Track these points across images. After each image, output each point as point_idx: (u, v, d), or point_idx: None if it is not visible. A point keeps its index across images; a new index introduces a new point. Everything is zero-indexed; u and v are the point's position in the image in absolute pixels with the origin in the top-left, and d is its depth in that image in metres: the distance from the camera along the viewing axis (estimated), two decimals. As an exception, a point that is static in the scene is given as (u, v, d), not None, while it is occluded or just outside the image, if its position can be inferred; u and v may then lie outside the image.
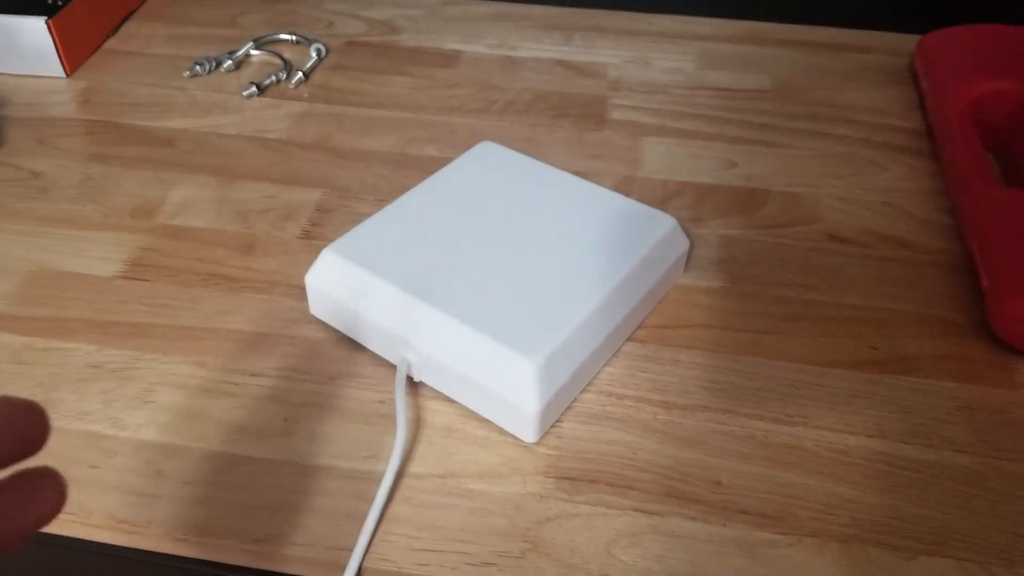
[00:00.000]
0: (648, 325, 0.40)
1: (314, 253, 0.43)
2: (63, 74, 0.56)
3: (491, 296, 0.36)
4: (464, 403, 0.36)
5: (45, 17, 0.54)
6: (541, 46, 0.61)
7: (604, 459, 0.34)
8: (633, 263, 0.38)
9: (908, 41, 0.62)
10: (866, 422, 0.36)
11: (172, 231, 0.45)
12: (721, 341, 0.40)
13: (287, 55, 0.59)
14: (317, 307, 0.39)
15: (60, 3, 0.57)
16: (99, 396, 0.36)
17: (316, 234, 0.45)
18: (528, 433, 0.34)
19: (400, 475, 0.34)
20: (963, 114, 0.51)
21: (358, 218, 0.46)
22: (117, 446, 0.34)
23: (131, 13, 0.63)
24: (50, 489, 0.21)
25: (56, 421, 0.35)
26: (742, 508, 0.33)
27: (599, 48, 0.61)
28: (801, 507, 0.33)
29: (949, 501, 0.33)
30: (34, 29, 0.54)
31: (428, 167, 0.50)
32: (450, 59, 0.59)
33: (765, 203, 0.48)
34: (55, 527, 0.33)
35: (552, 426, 0.36)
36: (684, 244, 0.41)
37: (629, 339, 0.39)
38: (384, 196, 0.47)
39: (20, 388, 0.36)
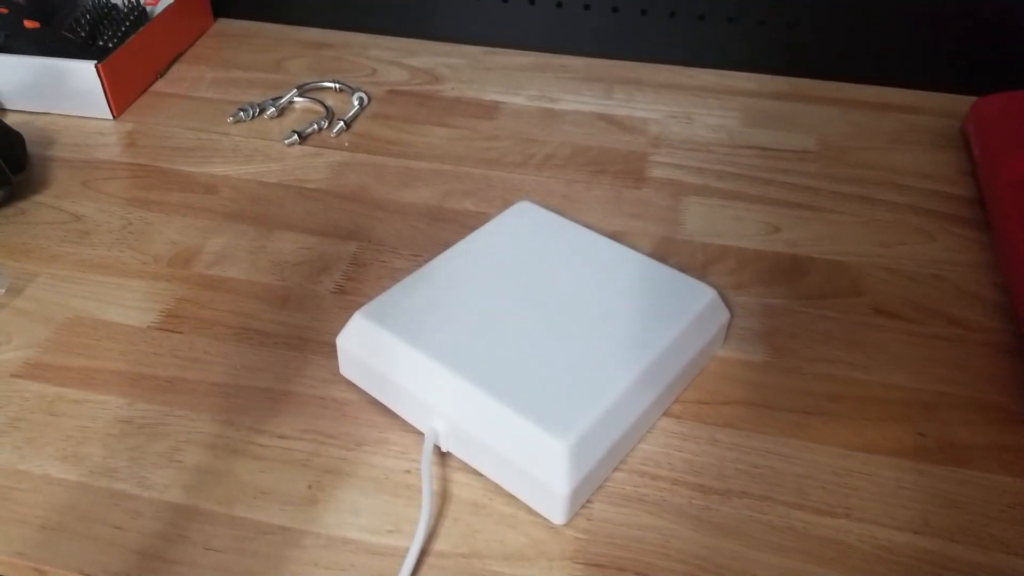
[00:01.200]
0: (685, 400, 0.39)
1: (347, 309, 0.43)
2: (110, 116, 0.57)
3: (523, 368, 0.35)
4: (492, 478, 0.35)
5: (95, 61, 0.55)
6: (581, 99, 0.61)
7: (635, 546, 0.33)
8: (672, 336, 0.37)
9: (959, 103, 0.60)
10: (912, 517, 0.35)
11: (208, 281, 0.45)
12: (761, 420, 0.38)
13: (329, 103, 0.59)
14: (347, 369, 0.39)
15: (111, 45, 0.58)
16: (127, 453, 0.36)
17: (350, 289, 0.45)
18: (557, 514, 0.33)
19: (424, 553, 0.33)
20: (1018, 184, 0.49)
21: (392, 273, 0.46)
22: (142, 507, 0.34)
23: (179, 55, 0.64)
24: None
25: (84, 478, 0.35)
26: (779, 607, 0.31)
27: (640, 102, 0.60)
28: (842, 609, 0.31)
29: (1001, 611, 0.31)
30: (84, 72, 0.55)
31: (464, 222, 0.49)
32: (490, 110, 0.59)
33: (809, 271, 0.46)
34: (76, 588, 0.32)
35: (582, 507, 0.34)
36: (725, 316, 0.40)
37: (665, 414, 0.38)
38: (419, 251, 0.47)
39: (50, 440, 0.36)
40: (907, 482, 0.36)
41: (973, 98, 0.60)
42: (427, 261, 0.41)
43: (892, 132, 0.58)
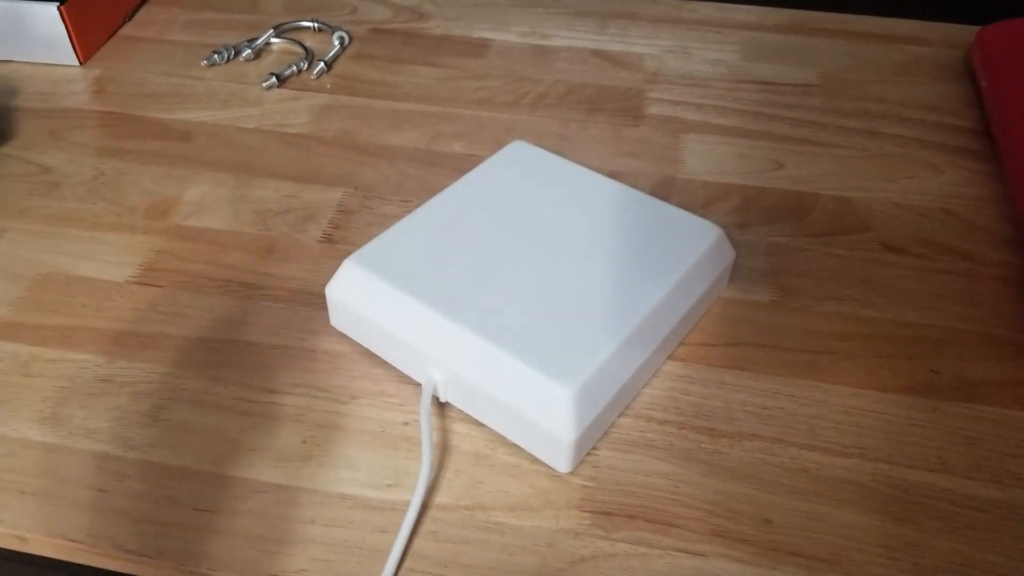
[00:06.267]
0: (690, 342, 0.38)
1: (335, 259, 0.41)
2: (77, 62, 0.54)
3: (523, 313, 0.33)
4: (493, 427, 0.33)
5: (57, 3, 0.51)
6: (574, 34, 0.58)
7: (644, 492, 0.32)
8: (676, 277, 0.36)
9: (965, 33, 0.58)
10: (927, 455, 0.34)
11: (187, 232, 0.43)
12: (770, 362, 0.37)
13: (308, 43, 0.56)
14: (338, 320, 0.37)
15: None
16: (108, 413, 0.34)
17: (338, 237, 0.43)
18: (562, 463, 0.32)
19: (425, 506, 0.31)
20: (1029, 113, 0.47)
21: (382, 220, 0.43)
22: (127, 468, 0.32)
23: (147, -3, 0.61)
24: None
25: (64, 440, 0.33)
26: (793, 550, 0.30)
27: (636, 37, 0.58)
28: (857, 550, 0.30)
29: (1019, 546, 0.31)
30: (46, 15, 0.51)
31: (456, 165, 0.47)
32: (479, 48, 0.57)
33: (815, 208, 0.45)
34: (59, 553, 0.31)
35: (587, 454, 0.33)
36: (730, 255, 0.39)
37: (670, 357, 0.37)
38: (409, 196, 0.45)
39: (27, 403, 0.35)
40: (921, 420, 0.35)
41: (977, 27, 0.58)
42: (418, 206, 0.39)
43: (897, 64, 0.56)
